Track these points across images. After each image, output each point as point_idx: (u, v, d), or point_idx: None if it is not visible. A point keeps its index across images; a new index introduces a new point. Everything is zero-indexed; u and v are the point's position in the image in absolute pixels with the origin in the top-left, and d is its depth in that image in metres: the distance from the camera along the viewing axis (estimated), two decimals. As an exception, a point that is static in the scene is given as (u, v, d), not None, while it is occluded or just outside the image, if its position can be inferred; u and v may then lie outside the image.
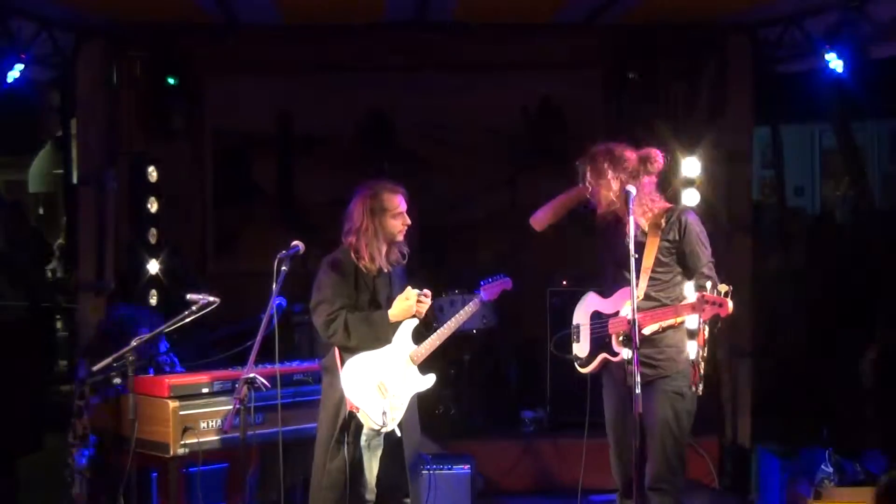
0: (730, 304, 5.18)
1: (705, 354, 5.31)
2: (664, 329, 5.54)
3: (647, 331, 5.46)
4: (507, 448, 8.46)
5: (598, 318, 5.74)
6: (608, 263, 5.76)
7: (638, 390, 5.03)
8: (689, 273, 5.65)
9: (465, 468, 7.43)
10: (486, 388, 9.07)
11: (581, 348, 5.84)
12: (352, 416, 5.79)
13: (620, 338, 5.49)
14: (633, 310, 5.16)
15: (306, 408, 6.51)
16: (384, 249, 5.94)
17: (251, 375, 5.51)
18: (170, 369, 6.86)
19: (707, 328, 5.36)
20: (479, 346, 8.88)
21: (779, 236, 9.56)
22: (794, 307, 8.85)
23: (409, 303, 5.87)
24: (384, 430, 5.81)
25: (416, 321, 5.97)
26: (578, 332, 5.87)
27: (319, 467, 5.88)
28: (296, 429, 6.40)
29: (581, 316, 5.89)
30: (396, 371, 5.89)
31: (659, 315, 5.46)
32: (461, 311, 6.02)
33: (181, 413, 6.14)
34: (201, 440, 6.18)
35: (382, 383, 5.82)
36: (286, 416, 6.09)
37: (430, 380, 6.01)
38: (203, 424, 6.24)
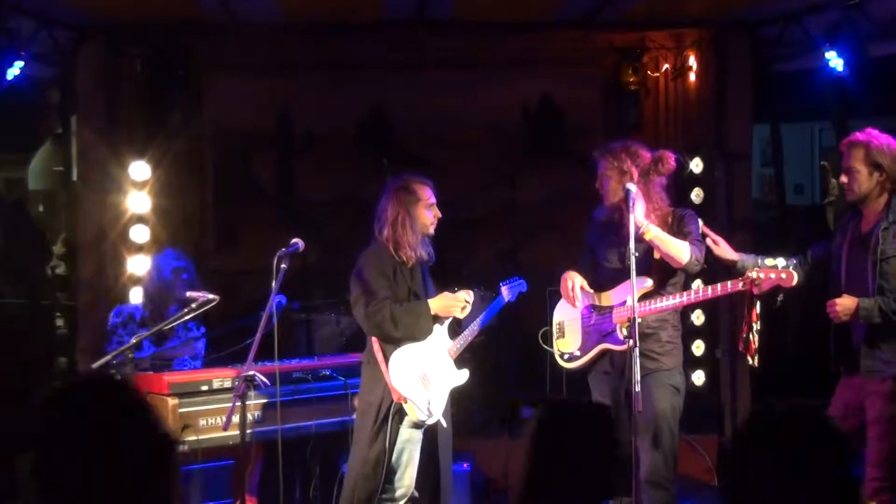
0: (795, 274, 5.21)
1: (759, 328, 5.34)
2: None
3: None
4: (507, 446, 8.45)
5: (595, 311, 5.76)
6: (606, 259, 5.78)
7: (638, 388, 5.05)
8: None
9: (464, 466, 7.43)
10: (486, 386, 9.07)
11: (567, 343, 5.90)
12: (395, 409, 5.82)
13: (624, 329, 5.52)
14: (634, 308, 5.19)
15: (305, 405, 6.51)
16: (418, 242, 5.98)
17: (251, 373, 5.51)
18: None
19: (759, 303, 5.37)
20: (478, 344, 8.87)
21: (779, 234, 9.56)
22: (794, 306, 8.84)
23: (455, 302, 5.95)
24: (429, 421, 5.87)
25: (450, 318, 6.07)
26: (563, 329, 5.93)
27: (360, 459, 5.89)
28: (295, 426, 6.41)
29: (566, 312, 5.95)
30: (437, 364, 5.97)
31: (699, 295, 5.50)
32: (485, 314, 6.22)
33: (180, 410, 6.13)
34: (201, 437, 6.18)
35: (426, 375, 5.88)
36: (285, 413, 6.09)
37: (464, 374, 6.13)
38: (202, 422, 6.24)
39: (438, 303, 5.96)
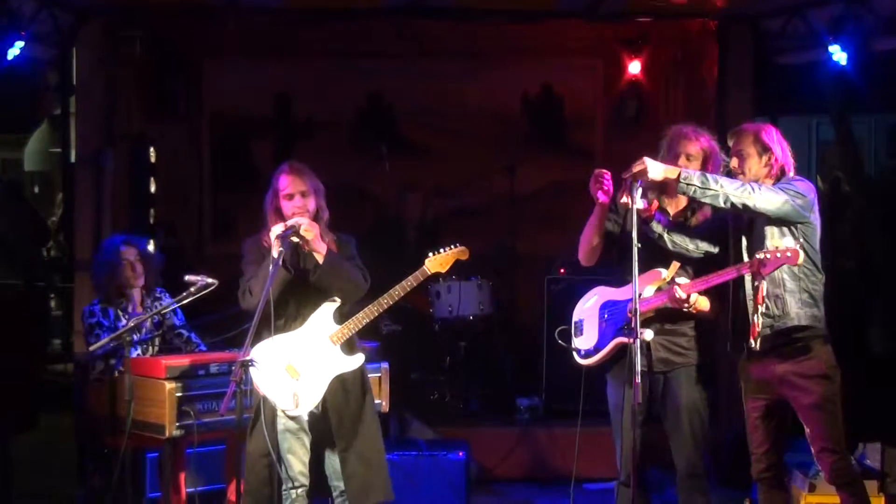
0: (801, 252, 5.16)
1: (764, 311, 5.31)
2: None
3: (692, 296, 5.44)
4: (502, 435, 8.46)
5: (613, 306, 5.70)
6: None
7: (638, 379, 5.03)
8: None
9: (459, 454, 7.43)
10: (482, 375, 9.08)
11: (584, 341, 5.82)
12: (265, 402, 5.64)
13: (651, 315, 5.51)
14: (635, 299, 5.16)
15: (302, 391, 6.49)
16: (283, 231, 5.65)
17: (248, 358, 5.48)
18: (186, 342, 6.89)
19: (766, 284, 5.33)
20: (475, 333, 8.88)
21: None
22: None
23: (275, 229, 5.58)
24: (294, 413, 5.65)
25: (335, 304, 5.74)
26: (581, 327, 5.85)
27: (245, 454, 5.72)
28: (292, 412, 6.38)
29: (585, 310, 5.87)
30: (311, 352, 5.69)
31: (711, 279, 5.44)
32: (397, 286, 5.74)
33: (177, 394, 6.10)
34: (197, 422, 6.15)
35: (292, 365, 5.64)
36: (282, 399, 6.05)
37: (356, 360, 5.77)
38: (199, 406, 6.21)
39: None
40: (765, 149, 5.51)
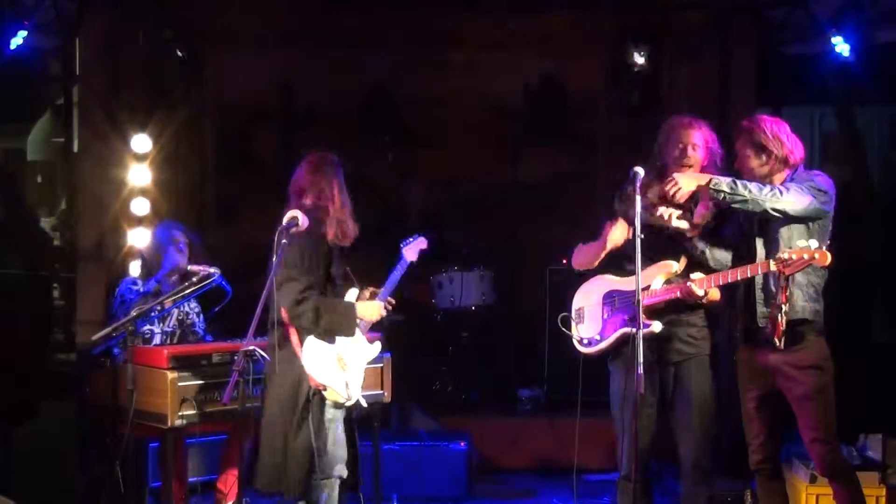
0: (828, 254, 5.13)
1: (788, 309, 5.30)
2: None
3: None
4: (504, 426, 8.49)
5: (619, 296, 5.68)
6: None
7: (640, 370, 5.03)
8: None
9: (461, 444, 7.45)
10: (484, 365, 9.09)
11: (587, 328, 5.81)
12: (314, 393, 5.67)
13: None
14: (638, 290, 5.16)
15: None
16: (352, 225, 5.86)
17: (250, 348, 5.49)
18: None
19: (789, 282, 5.32)
20: (477, 324, 8.89)
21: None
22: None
23: (376, 309, 5.86)
24: (349, 402, 5.75)
25: (356, 291, 5.93)
26: (581, 315, 5.85)
27: (279, 449, 5.71)
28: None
29: (586, 298, 5.86)
30: (352, 343, 5.82)
31: (729, 275, 5.43)
32: (389, 279, 5.97)
33: (180, 384, 6.11)
34: (199, 411, 6.17)
35: (340, 356, 5.74)
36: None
37: (376, 348, 6.02)
38: (201, 396, 6.22)
39: (365, 311, 5.80)
40: (760, 147, 5.49)
